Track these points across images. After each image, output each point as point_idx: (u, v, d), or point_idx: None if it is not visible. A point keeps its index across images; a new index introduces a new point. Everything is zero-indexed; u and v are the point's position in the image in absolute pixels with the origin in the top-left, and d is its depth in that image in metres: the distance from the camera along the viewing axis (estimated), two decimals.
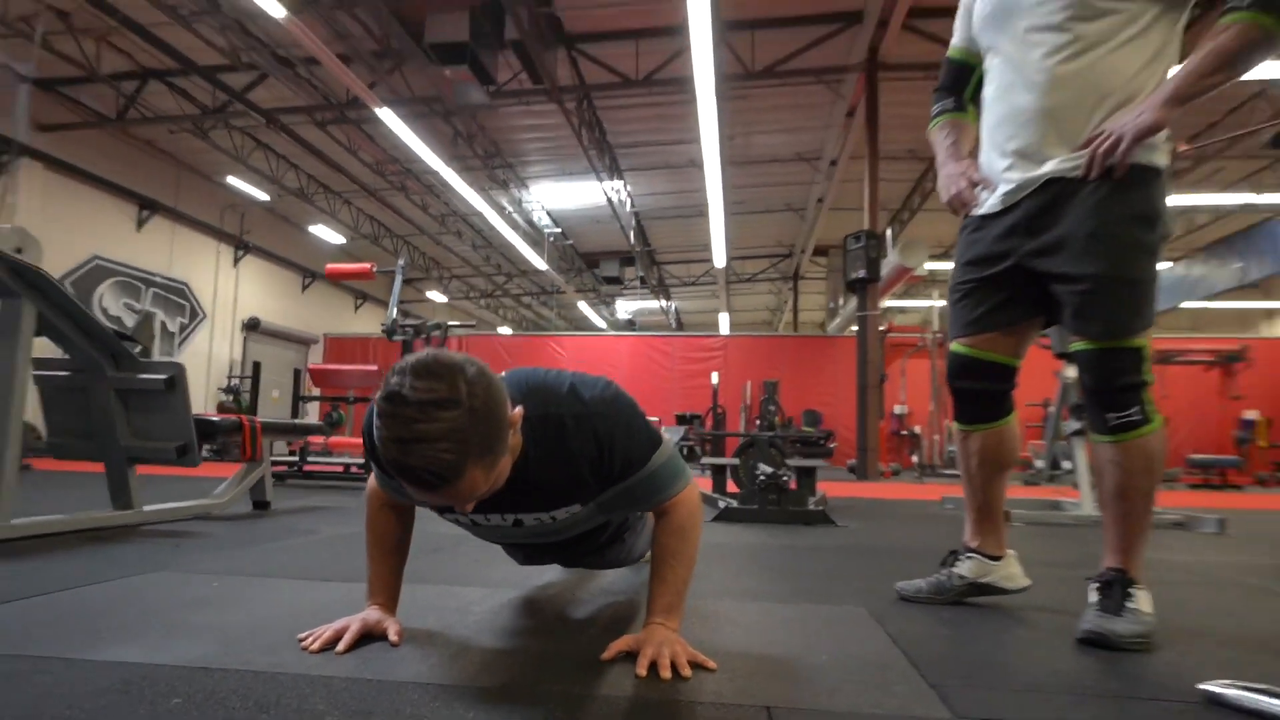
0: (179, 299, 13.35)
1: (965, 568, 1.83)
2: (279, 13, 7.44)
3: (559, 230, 16.56)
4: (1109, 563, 1.57)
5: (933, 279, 17.96)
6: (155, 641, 1.33)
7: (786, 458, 4.66)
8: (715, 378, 11.85)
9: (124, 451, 2.84)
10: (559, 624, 1.61)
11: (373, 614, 1.39)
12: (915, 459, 12.31)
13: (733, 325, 22.29)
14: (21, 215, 10.36)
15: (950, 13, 1.97)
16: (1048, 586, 2.04)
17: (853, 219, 11.91)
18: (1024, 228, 1.62)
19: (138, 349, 2.79)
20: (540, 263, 15.88)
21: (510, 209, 15.06)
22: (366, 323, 18.90)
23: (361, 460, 5.50)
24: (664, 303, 21.87)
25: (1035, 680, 1.24)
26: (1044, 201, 1.59)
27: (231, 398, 11.35)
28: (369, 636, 1.35)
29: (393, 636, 1.34)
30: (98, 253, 11.72)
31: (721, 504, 3.94)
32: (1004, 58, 1.70)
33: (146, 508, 2.96)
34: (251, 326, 14.91)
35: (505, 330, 24.42)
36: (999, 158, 1.68)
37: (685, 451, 11.30)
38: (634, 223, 15.96)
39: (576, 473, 1.30)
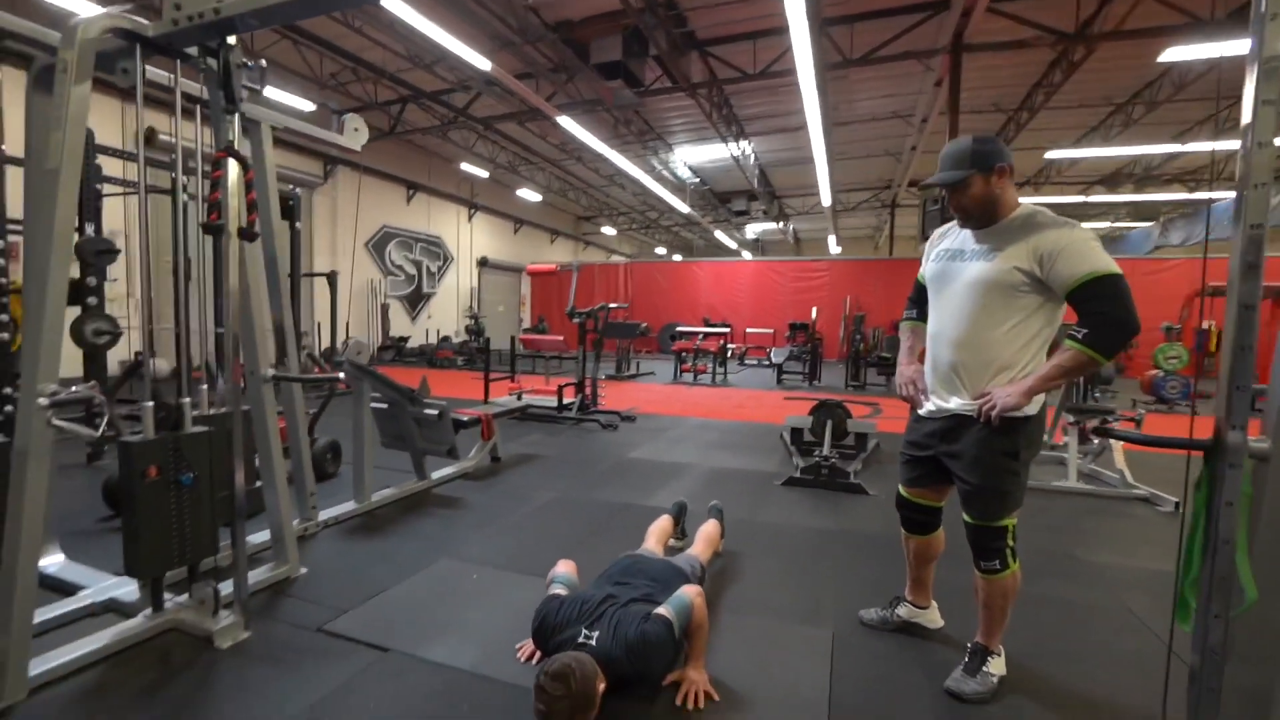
0: (435, 248, 14.83)
1: (902, 610, 2.21)
2: (485, 65, 7.82)
3: (698, 180, 16.32)
4: (978, 637, 1.91)
5: None
6: (452, 644, 2.04)
7: (849, 416, 4.92)
8: (814, 312, 11.56)
9: (419, 450, 3.70)
10: None
11: None
12: None
13: (840, 242, 21.25)
14: (340, 204, 11.84)
15: None
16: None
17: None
18: (940, 435, 1.88)
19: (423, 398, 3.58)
20: (682, 206, 15.83)
21: (659, 167, 15.02)
22: (558, 253, 19.89)
23: (554, 402, 6.26)
24: (782, 225, 21.17)
25: None
26: (953, 424, 1.84)
27: (473, 320, 12.72)
28: None
29: None
30: (385, 222, 13.22)
31: (796, 462, 4.37)
32: (938, 309, 1.90)
33: (434, 474, 3.86)
34: (482, 263, 16.25)
35: (660, 250, 24.69)
36: (930, 383, 1.92)
37: (789, 356, 11.39)
38: (757, 171, 15.45)
39: (642, 678, 1.77)
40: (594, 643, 1.73)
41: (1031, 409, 1.74)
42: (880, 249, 22.13)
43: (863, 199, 18.16)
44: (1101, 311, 1.59)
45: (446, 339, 13.55)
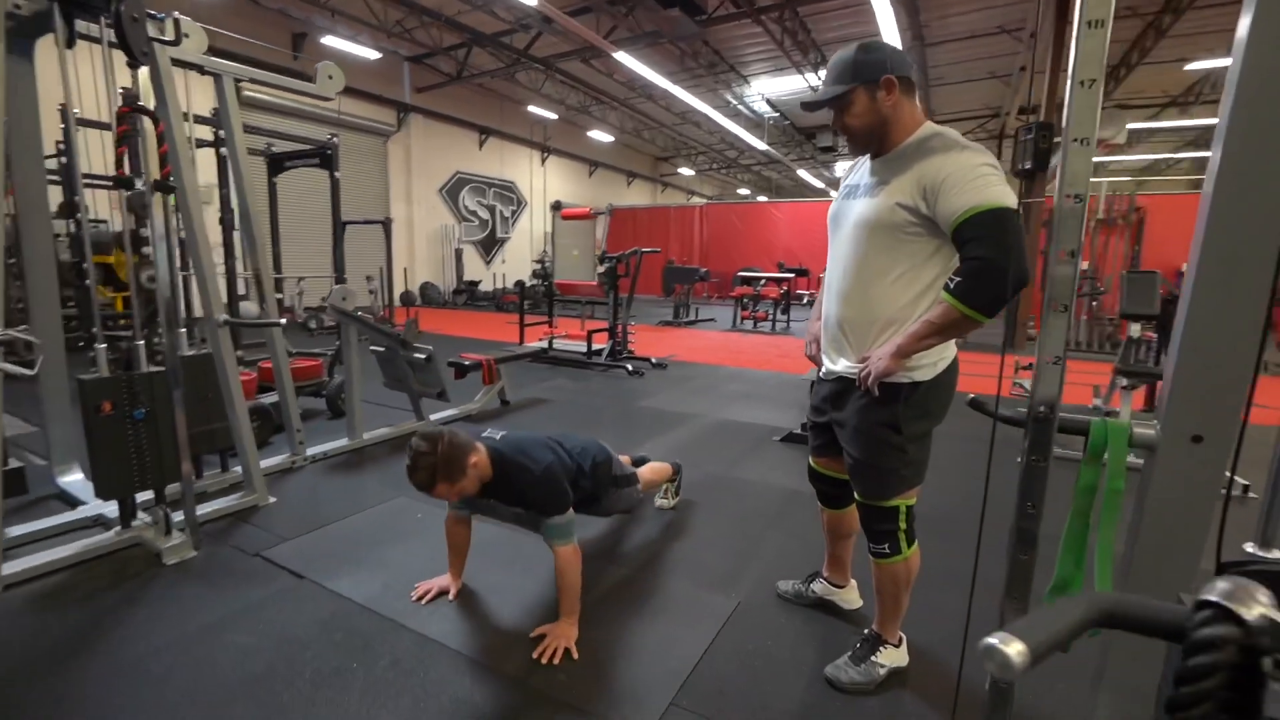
0: (509, 193, 15.05)
1: (817, 587, 2.05)
2: (533, 0, 7.60)
3: (777, 114, 15.29)
4: (873, 625, 1.75)
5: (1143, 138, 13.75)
6: (360, 576, 2.16)
7: None
8: None
9: (415, 391, 3.85)
10: (537, 605, 2.03)
11: (445, 580, 2.10)
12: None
13: None
14: (414, 151, 12.22)
15: None
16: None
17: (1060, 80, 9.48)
18: (829, 401, 1.67)
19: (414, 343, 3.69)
20: (759, 144, 14.94)
21: (734, 102, 14.20)
22: (636, 196, 19.56)
23: (584, 346, 6.28)
24: None
25: (749, 713, 1.60)
26: (839, 388, 1.63)
27: (540, 265, 12.92)
28: (444, 592, 2.07)
29: (451, 595, 2.05)
30: (458, 168, 13.53)
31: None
32: (831, 257, 1.65)
33: (432, 416, 4.02)
34: (555, 207, 16.26)
35: (744, 191, 23.69)
36: (823, 341, 1.70)
37: None
38: None
39: (520, 494, 1.86)
40: (497, 439, 1.90)
41: (922, 374, 1.49)
42: None
43: (966, 130, 16.27)
44: (977, 256, 1.30)
45: (520, 283, 13.89)
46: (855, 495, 1.64)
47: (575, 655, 1.77)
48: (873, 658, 1.70)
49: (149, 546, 2.29)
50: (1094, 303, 8.37)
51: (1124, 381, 3.66)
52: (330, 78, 3.14)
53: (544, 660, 1.74)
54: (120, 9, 1.86)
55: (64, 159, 4.85)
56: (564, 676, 1.69)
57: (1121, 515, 1.07)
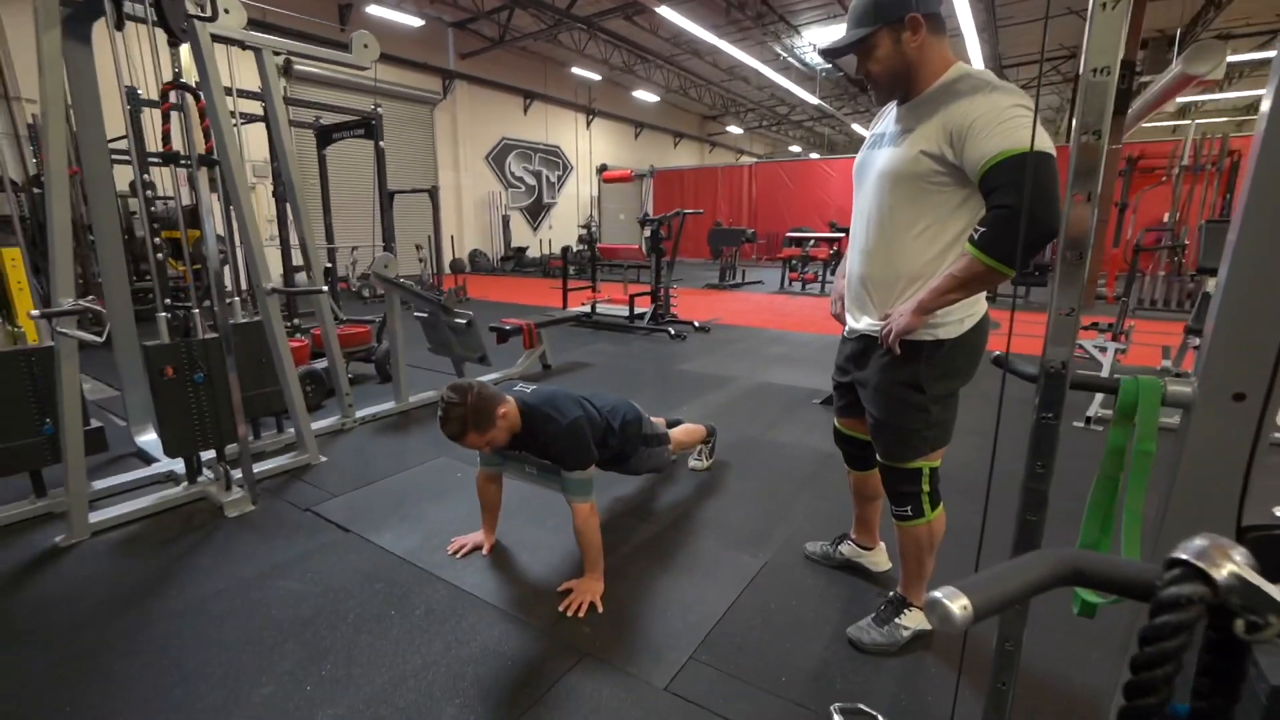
0: (554, 158, 15.01)
1: (845, 549, 2.03)
2: None
3: (829, 66, 14.54)
4: (898, 588, 1.73)
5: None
6: (401, 531, 2.27)
7: None
8: None
9: (458, 355, 3.96)
10: (566, 561, 2.11)
11: (480, 536, 2.19)
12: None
13: None
14: (460, 118, 12.30)
15: None
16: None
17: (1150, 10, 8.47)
18: (852, 360, 1.63)
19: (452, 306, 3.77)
20: (810, 98, 14.31)
21: (784, 54, 13.58)
22: (683, 157, 19.13)
23: (626, 311, 6.30)
24: None
25: (767, 670, 1.62)
26: (861, 347, 1.58)
27: (587, 230, 12.89)
28: (477, 547, 2.17)
29: (484, 550, 2.14)
30: (504, 134, 13.56)
31: None
32: (855, 211, 1.58)
33: (478, 379, 4.13)
34: (601, 170, 16.14)
35: (795, 149, 22.85)
36: (846, 299, 1.64)
37: None
38: None
39: (545, 446, 1.91)
40: (527, 393, 1.97)
41: (946, 331, 1.43)
42: (1062, 134, 18.51)
43: (1036, 75, 15.09)
44: (1005, 204, 1.22)
45: (567, 249, 13.97)
46: (878, 456, 1.61)
47: (600, 609, 1.82)
48: (896, 620, 1.68)
49: (213, 500, 2.47)
50: (1176, 257, 7.75)
51: (1195, 341, 3.41)
52: (365, 46, 3.17)
53: (569, 613, 1.80)
54: None
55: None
56: (588, 629, 1.75)
57: (1151, 479, 1.01)
